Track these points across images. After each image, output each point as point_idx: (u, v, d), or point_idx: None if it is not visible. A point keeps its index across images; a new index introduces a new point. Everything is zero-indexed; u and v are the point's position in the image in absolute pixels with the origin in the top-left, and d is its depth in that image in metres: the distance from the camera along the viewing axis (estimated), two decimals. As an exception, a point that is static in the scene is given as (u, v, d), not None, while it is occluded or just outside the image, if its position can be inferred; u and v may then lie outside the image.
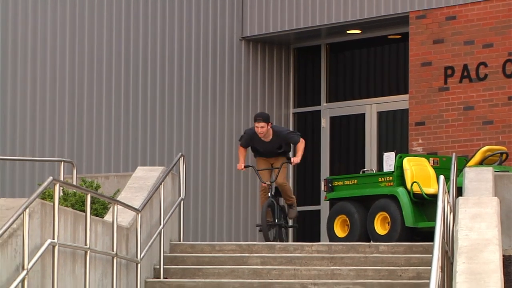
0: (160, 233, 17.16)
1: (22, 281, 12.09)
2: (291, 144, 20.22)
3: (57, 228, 13.17)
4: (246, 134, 19.89)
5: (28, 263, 12.23)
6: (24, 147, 23.28)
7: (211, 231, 25.62)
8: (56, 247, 13.16)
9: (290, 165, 20.53)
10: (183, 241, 18.83)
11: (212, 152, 25.84)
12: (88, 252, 14.22)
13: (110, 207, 16.14)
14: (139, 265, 16.12)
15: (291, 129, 26.87)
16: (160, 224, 17.21)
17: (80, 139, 24.11)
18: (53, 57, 23.86)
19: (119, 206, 15.72)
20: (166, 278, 16.84)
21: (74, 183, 18.25)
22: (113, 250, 15.12)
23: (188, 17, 25.65)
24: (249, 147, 20.17)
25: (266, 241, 18.77)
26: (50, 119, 23.73)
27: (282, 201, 20.83)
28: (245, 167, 18.65)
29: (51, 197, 13.34)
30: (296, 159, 19.26)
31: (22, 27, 23.62)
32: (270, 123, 19.33)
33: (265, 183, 19.00)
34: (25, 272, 12.15)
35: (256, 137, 19.25)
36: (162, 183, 17.38)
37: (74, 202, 16.22)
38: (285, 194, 20.22)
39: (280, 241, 19.37)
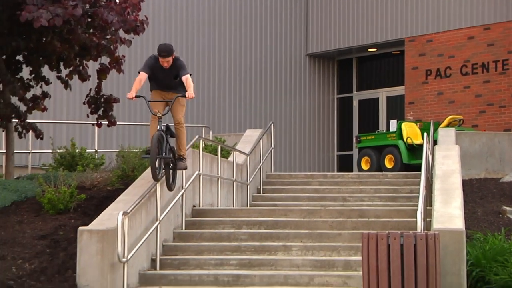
0: (260, 168, 17.18)
1: (182, 195, 12.37)
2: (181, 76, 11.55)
3: (201, 165, 13.39)
4: (149, 61, 11.52)
5: (185, 185, 12.47)
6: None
7: (289, 166, 25.64)
8: (201, 176, 13.41)
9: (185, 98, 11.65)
10: (273, 172, 18.65)
11: (289, 120, 25.80)
12: (219, 178, 14.39)
13: (231, 153, 16.28)
14: (248, 186, 16.16)
15: (335, 109, 27.05)
16: (260, 162, 17.25)
17: (213, 111, 24.18)
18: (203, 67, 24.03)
19: (236, 152, 15.93)
20: (264, 194, 16.81)
21: (210, 138, 18.47)
22: (233, 177, 15.23)
23: (275, 43, 25.76)
24: (147, 79, 11.62)
25: (152, 175, 11.06)
26: (198, 95, 23.89)
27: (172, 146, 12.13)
28: (136, 97, 11.25)
29: (197, 147, 13.57)
30: (190, 93, 11.24)
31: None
32: (173, 54, 11.36)
33: (155, 114, 11.21)
34: (183, 190, 12.38)
35: (158, 65, 11.36)
36: (261, 139, 17.42)
37: (211, 150, 16.39)
38: (178, 139, 11.73)
39: (168, 188, 11.61)
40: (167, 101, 11.46)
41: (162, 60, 11.22)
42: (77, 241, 10.00)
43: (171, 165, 11.50)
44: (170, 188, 11.60)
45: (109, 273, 9.74)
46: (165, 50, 11.20)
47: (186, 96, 11.25)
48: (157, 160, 10.92)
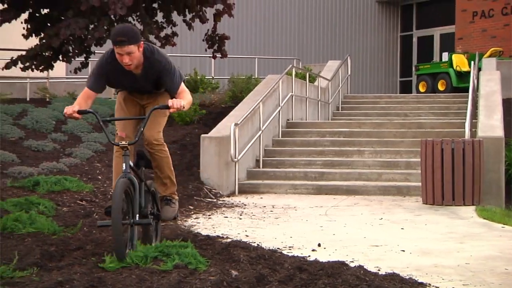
0: (338, 90, 17.06)
1: (279, 111, 12.35)
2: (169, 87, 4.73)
3: (294, 87, 13.38)
4: (101, 63, 4.56)
5: (281, 103, 12.46)
6: (275, 51, 23.42)
7: (362, 89, 25.48)
8: (293, 96, 13.39)
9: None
10: (349, 94, 18.48)
11: (362, 53, 25.60)
12: (307, 98, 14.34)
13: (316, 78, 16.15)
14: (329, 105, 16.10)
15: (399, 44, 26.63)
16: (339, 86, 17.14)
17: (302, 46, 24.12)
18: None
19: (320, 78, 15.81)
20: (342, 111, 16.71)
21: (300, 67, 18.35)
22: (318, 98, 15.15)
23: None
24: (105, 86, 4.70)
25: (116, 252, 4.15)
26: (290, 33, 23.76)
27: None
28: (79, 112, 4.26)
29: (290, 74, 13.51)
30: (176, 101, 4.41)
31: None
32: (141, 43, 4.39)
33: (117, 144, 4.31)
34: (279, 107, 12.35)
35: (118, 67, 4.44)
36: (340, 68, 17.28)
37: (300, 76, 16.30)
38: (158, 168, 5.06)
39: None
40: (139, 118, 4.99)
41: (118, 50, 4.61)
42: (200, 145, 10.16)
43: (152, 224, 5.04)
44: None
45: (224, 169, 9.90)
46: (122, 32, 4.60)
47: (170, 105, 4.60)
48: (124, 230, 4.42)
